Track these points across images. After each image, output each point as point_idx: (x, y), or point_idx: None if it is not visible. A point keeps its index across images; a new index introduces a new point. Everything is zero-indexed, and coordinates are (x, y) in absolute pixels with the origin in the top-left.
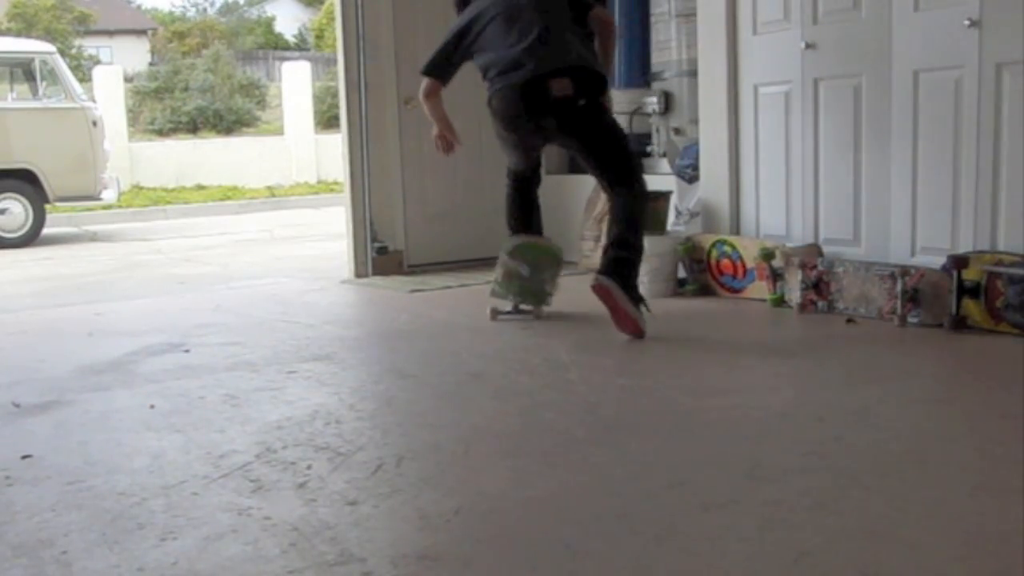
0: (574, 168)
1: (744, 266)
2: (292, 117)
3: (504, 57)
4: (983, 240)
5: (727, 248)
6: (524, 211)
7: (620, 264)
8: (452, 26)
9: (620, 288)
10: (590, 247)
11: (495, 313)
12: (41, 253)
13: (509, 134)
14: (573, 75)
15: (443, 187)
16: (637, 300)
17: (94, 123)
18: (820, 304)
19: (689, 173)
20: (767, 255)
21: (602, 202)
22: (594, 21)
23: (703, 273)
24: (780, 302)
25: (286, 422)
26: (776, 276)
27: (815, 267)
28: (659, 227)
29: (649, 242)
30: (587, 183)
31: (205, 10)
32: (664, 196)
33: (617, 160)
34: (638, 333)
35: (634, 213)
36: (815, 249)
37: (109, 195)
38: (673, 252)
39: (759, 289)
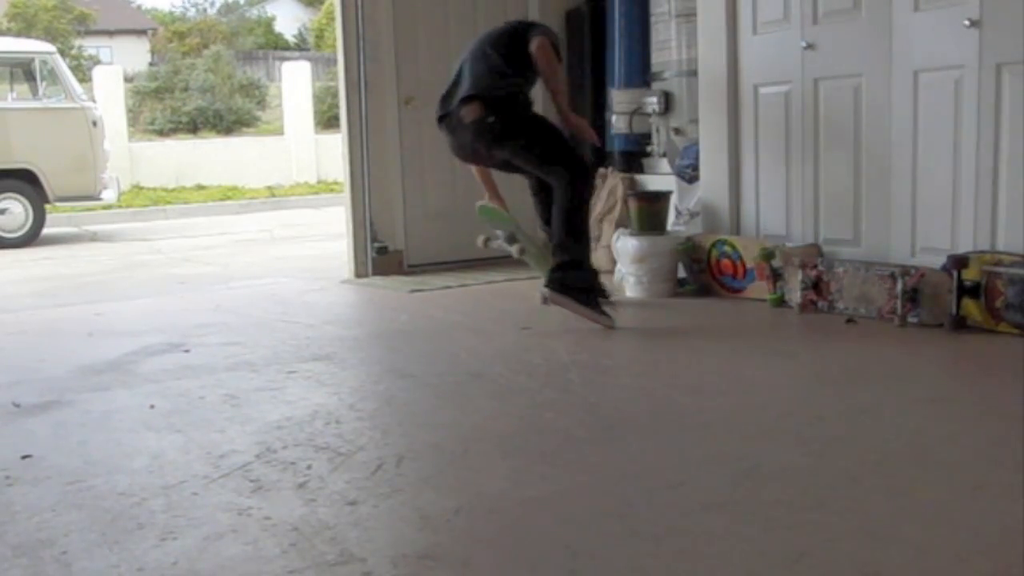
0: None
1: (744, 266)
2: (292, 117)
3: (440, 98)
4: (983, 240)
5: (727, 248)
6: (542, 206)
7: (561, 270)
8: None
9: (566, 297)
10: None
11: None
12: (41, 253)
13: (463, 163)
14: (482, 100)
15: (443, 187)
16: (590, 298)
17: (94, 123)
18: (820, 304)
19: (689, 173)
20: (767, 255)
21: (601, 203)
22: (533, 56)
23: (703, 273)
24: (780, 302)
25: (286, 422)
26: (776, 276)
27: (815, 267)
28: (659, 227)
29: (649, 242)
30: None
31: (205, 10)
32: (664, 196)
33: (545, 151)
34: (605, 327)
35: (571, 201)
36: (815, 249)
37: (109, 195)
38: (673, 252)
39: (759, 289)
